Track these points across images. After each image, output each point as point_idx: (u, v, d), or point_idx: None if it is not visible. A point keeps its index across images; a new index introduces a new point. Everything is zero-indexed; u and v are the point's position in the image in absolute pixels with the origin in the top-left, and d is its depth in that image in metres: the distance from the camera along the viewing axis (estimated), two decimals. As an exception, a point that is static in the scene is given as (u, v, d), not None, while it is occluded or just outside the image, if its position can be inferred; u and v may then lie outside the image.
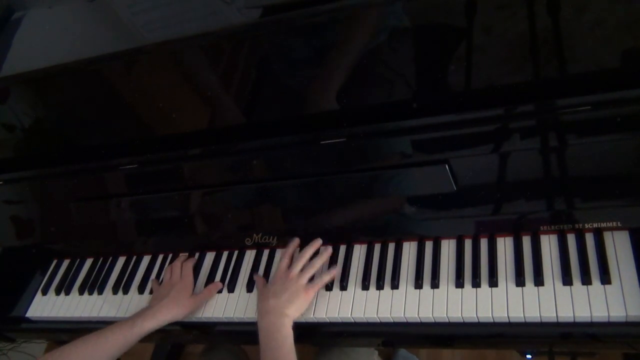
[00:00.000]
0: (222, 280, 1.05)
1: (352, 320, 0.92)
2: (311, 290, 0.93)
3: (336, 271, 0.96)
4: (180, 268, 1.07)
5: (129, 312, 1.08)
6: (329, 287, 0.96)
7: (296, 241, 1.01)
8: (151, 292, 1.09)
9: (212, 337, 1.08)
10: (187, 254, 1.12)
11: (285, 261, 0.97)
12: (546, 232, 0.88)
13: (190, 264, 1.07)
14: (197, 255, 1.11)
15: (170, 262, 1.12)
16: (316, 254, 0.99)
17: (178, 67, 0.97)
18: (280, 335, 0.86)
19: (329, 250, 0.99)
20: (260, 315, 0.91)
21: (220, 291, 1.04)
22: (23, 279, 1.24)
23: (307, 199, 0.99)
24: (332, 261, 0.99)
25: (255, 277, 1.01)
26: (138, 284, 1.11)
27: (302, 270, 0.95)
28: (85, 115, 1.09)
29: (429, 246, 0.94)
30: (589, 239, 0.85)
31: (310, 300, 0.93)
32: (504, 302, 0.83)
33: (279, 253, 1.05)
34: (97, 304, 1.12)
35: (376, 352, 1.16)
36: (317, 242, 0.99)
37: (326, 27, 0.86)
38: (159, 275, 1.11)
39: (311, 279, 0.95)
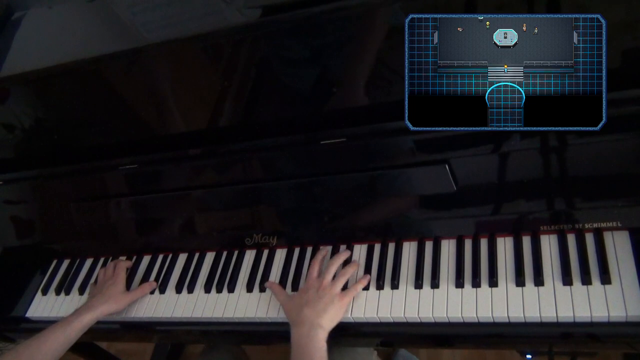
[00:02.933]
0: (222, 280, 1.05)
1: (352, 320, 0.92)
2: (346, 298, 0.90)
3: (368, 278, 0.94)
4: (113, 269, 1.11)
5: (128, 312, 1.08)
6: (329, 287, 0.96)
7: (325, 250, 1.00)
8: (151, 291, 1.09)
9: (212, 337, 1.08)
10: (124, 258, 1.17)
11: (316, 269, 0.95)
12: (546, 232, 0.88)
13: (122, 265, 1.12)
14: (196, 255, 1.11)
15: (170, 262, 1.12)
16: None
17: (178, 67, 0.97)
18: (313, 347, 0.83)
19: (357, 262, 0.97)
20: (294, 325, 0.88)
21: (220, 291, 1.04)
22: (23, 279, 1.24)
23: (307, 199, 0.99)
24: (366, 269, 0.96)
25: (268, 285, 0.99)
26: (138, 284, 1.11)
27: (334, 278, 0.93)
28: (85, 115, 1.09)
29: (429, 246, 0.94)
30: (589, 239, 0.86)
31: (345, 308, 0.90)
32: (504, 302, 0.84)
33: (279, 253, 1.05)
34: (97, 304, 1.12)
35: (375, 352, 1.16)
36: (347, 252, 0.98)
37: (326, 27, 0.87)
38: (159, 275, 1.11)
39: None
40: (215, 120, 1.00)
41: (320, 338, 0.85)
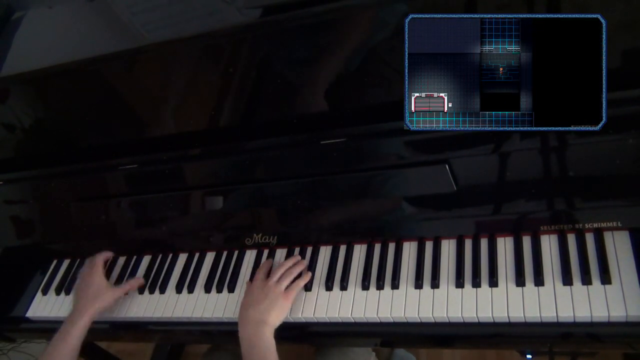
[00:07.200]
0: (222, 280, 1.05)
1: (352, 320, 0.92)
2: (290, 294, 0.93)
3: (310, 275, 0.97)
4: (89, 264, 1.10)
5: (128, 312, 1.08)
6: (329, 287, 0.96)
7: (270, 260, 1.03)
8: (151, 291, 1.09)
9: (212, 337, 1.08)
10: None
11: (262, 272, 0.98)
12: (546, 232, 0.88)
13: (100, 257, 1.11)
14: (196, 255, 1.11)
15: (170, 262, 1.12)
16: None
17: (178, 67, 0.97)
18: (262, 344, 0.86)
19: (304, 262, 1.00)
20: (241, 325, 0.90)
21: (220, 291, 1.04)
22: (23, 279, 1.24)
23: (307, 199, 0.99)
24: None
25: (247, 283, 1.01)
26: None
27: (280, 278, 0.95)
28: (85, 115, 1.09)
29: (429, 246, 0.94)
30: (589, 239, 0.86)
31: (290, 304, 0.93)
32: (504, 302, 0.84)
33: (279, 253, 1.05)
34: (97, 304, 1.12)
35: (374, 353, 1.16)
36: (296, 257, 1.01)
37: (326, 26, 0.87)
38: (159, 274, 1.11)
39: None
40: (215, 121, 1.00)
41: (267, 335, 0.87)
